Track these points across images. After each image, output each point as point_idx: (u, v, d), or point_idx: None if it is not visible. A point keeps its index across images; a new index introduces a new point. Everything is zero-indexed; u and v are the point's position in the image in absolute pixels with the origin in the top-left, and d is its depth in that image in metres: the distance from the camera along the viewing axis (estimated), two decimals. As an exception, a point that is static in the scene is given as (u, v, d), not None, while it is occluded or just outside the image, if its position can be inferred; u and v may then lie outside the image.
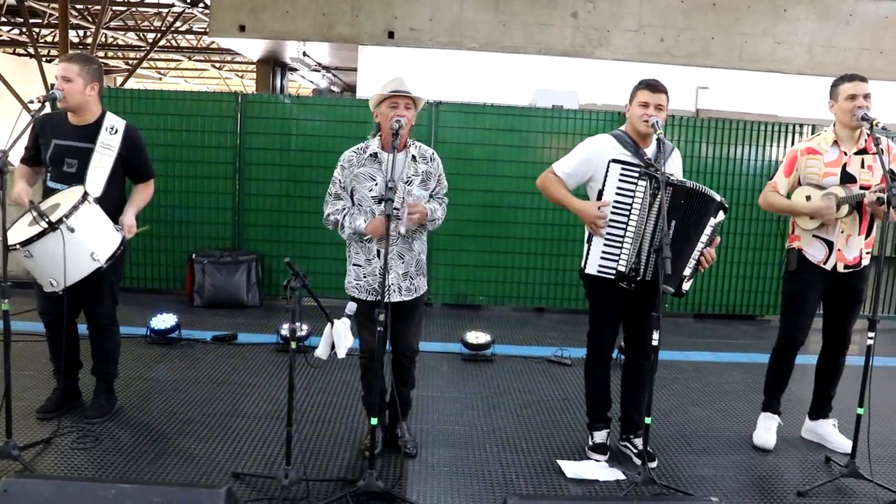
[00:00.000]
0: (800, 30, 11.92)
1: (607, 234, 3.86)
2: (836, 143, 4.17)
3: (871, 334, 3.84)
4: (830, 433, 4.49)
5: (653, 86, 3.95)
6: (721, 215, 3.86)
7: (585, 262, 3.96)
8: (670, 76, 6.01)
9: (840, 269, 4.21)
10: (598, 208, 3.86)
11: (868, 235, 4.24)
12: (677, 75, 11.07)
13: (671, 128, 7.56)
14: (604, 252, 3.89)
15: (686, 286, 3.94)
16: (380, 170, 3.79)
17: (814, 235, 4.23)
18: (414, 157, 3.89)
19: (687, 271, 3.88)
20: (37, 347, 4.92)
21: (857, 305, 4.36)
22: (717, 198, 3.84)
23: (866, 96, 4.07)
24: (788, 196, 4.30)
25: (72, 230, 3.75)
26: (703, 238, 3.84)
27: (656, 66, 11.39)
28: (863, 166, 4.14)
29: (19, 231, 3.81)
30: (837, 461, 4.14)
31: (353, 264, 3.97)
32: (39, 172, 4.31)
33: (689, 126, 7.78)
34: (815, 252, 4.24)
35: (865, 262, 4.28)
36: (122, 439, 4.09)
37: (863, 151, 4.16)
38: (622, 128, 4.09)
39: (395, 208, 3.72)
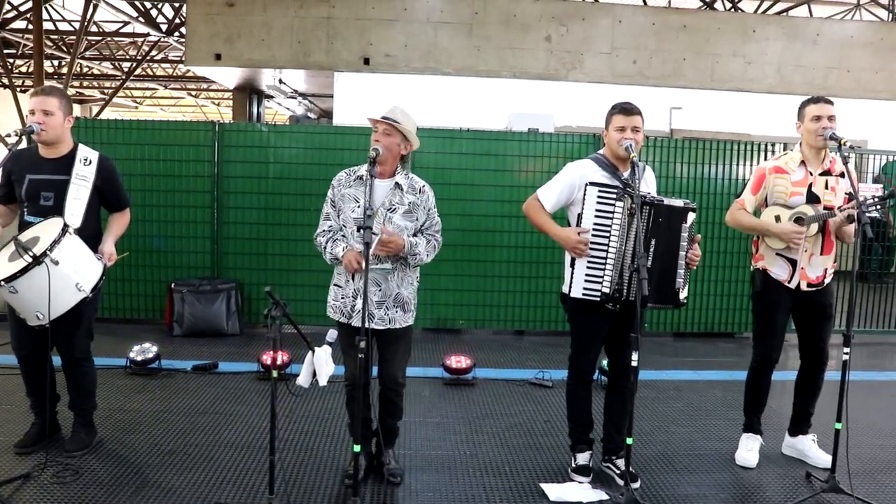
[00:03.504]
0: (769, 50, 12.16)
1: (589, 256, 3.90)
2: (803, 163, 4.27)
3: (847, 349, 3.91)
4: (810, 448, 4.54)
5: (627, 109, 4.02)
6: (691, 217, 3.94)
7: (570, 287, 4.00)
8: (644, 97, 6.10)
9: (804, 287, 4.30)
10: (578, 234, 3.91)
11: (833, 256, 4.35)
12: (651, 96, 11.25)
13: (646, 149, 7.65)
14: (587, 275, 3.92)
15: (683, 294, 4.00)
16: (364, 194, 3.79)
17: (777, 254, 4.31)
18: (399, 185, 3.89)
19: (679, 283, 3.94)
20: (14, 381, 4.86)
21: (827, 321, 4.44)
22: (680, 203, 3.93)
23: (831, 118, 4.19)
24: (756, 214, 4.39)
25: (56, 263, 3.74)
26: (682, 245, 3.91)
27: (630, 88, 11.57)
28: (826, 187, 4.26)
29: (1, 266, 3.78)
30: (818, 476, 4.18)
31: (334, 284, 4.00)
32: (14, 211, 4.29)
33: (664, 147, 7.87)
34: (779, 271, 4.33)
35: (828, 279, 4.38)
36: (103, 473, 4.05)
37: (826, 173, 4.28)
38: (601, 151, 4.15)
39: (373, 234, 3.73)
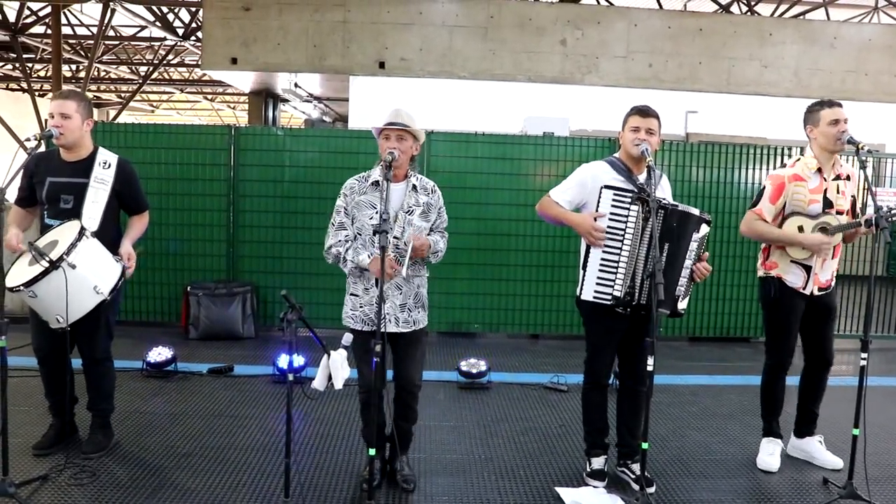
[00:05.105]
0: (786, 53, 12.08)
1: (601, 259, 3.89)
2: (819, 169, 4.25)
3: (864, 355, 3.88)
4: (818, 450, 4.53)
5: (643, 111, 4.03)
6: (704, 229, 3.92)
7: (581, 289, 3.99)
8: (659, 101, 6.07)
9: (815, 292, 4.33)
10: (595, 219, 3.90)
11: (839, 259, 4.41)
12: (666, 100, 11.18)
13: (661, 152, 7.62)
14: (599, 278, 3.91)
15: (682, 305, 3.97)
16: (380, 199, 3.80)
17: (792, 261, 4.30)
18: (415, 186, 3.90)
19: (680, 290, 3.92)
20: (32, 383, 4.91)
21: (832, 321, 4.49)
22: (696, 212, 3.90)
23: (846, 120, 4.17)
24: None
25: (73, 266, 3.77)
26: (690, 254, 3.89)
27: (645, 92, 11.52)
28: (837, 192, 4.28)
29: (21, 271, 3.83)
30: (835, 482, 4.15)
31: (351, 294, 3.96)
32: (33, 213, 4.34)
33: (680, 150, 7.84)
34: (793, 279, 4.34)
35: (833, 282, 4.43)
36: (120, 474, 4.08)
37: (837, 177, 4.30)
38: (616, 154, 4.15)
39: (395, 237, 3.73)
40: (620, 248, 3.86)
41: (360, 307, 3.89)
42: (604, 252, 3.89)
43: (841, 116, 4.18)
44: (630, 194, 3.87)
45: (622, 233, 3.86)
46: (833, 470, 4.38)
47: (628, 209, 3.85)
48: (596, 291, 3.92)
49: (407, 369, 3.99)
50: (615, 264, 3.87)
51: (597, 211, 3.91)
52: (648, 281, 3.78)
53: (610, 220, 3.88)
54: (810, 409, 4.57)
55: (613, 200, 3.88)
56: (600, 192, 3.91)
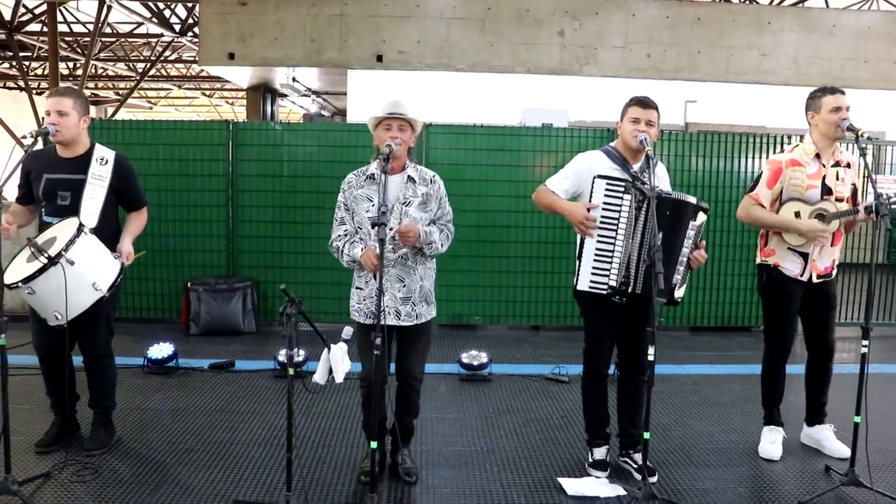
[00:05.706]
0: (784, 41, 12.04)
1: (596, 249, 3.88)
2: (817, 155, 4.24)
3: (865, 342, 3.87)
4: (827, 438, 4.54)
5: (643, 102, 4.01)
6: (702, 217, 3.91)
7: (577, 279, 3.99)
8: (658, 91, 6.06)
9: (814, 279, 4.32)
10: (588, 209, 3.89)
11: (840, 247, 4.39)
12: (665, 90, 11.17)
13: (660, 142, 7.60)
14: (594, 268, 3.90)
15: (679, 293, 3.96)
16: (377, 192, 3.78)
17: (789, 248, 4.29)
18: (412, 178, 3.89)
19: (676, 279, 3.91)
20: (34, 381, 4.90)
21: (831, 311, 4.48)
22: (693, 200, 3.89)
23: (847, 108, 4.17)
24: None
25: (72, 263, 3.76)
26: (686, 242, 3.88)
27: (644, 82, 11.49)
28: (837, 178, 4.26)
29: (19, 268, 3.82)
30: (837, 470, 4.15)
31: (355, 287, 3.98)
32: (34, 211, 4.33)
33: (679, 140, 7.83)
34: (790, 266, 4.33)
35: (834, 270, 4.42)
36: (122, 471, 4.08)
37: (836, 164, 4.29)
38: (612, 144, 4.14)
39: (390, 229, 3.72)
40: (615, 238, 3.85)
41: (364, 300, 3.90)
42: (598, 242, 3.88)
43: (843, 104, 4.17)
44: (623, 184, 3.86)
45: (616, 222, 3.85)
46: (839, 459, 4.36)
47: (621, 198, 3.84)
48: (591, 281, 3.91)
49: (408, 362, 3.99)
50: (610, 254, 3.87)
51: (590, 201, 3.91)
52: (644, 269, 3.78)
53: (603, 209, 3.87)
54: (817, 398, 4.57)
55: (606, 190, 3.88)
56: (593, 182, 3.91)
